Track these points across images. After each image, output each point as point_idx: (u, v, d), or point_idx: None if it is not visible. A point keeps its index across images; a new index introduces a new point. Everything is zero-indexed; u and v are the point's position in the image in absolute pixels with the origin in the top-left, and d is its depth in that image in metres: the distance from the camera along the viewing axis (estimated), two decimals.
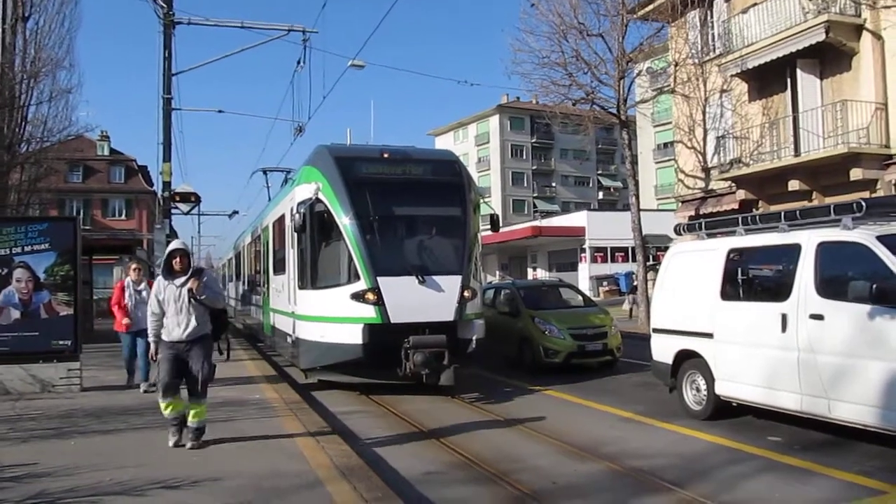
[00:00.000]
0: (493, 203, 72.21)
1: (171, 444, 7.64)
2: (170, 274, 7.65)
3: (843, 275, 7.77)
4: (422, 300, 10.93)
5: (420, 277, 10.95)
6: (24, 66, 22.24)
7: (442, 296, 11.06)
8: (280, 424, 8.80)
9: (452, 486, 6.87)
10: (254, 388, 11.83)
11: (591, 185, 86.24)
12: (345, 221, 11.25)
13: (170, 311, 7.57)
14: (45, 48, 22.90)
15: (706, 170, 23.93)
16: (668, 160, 42.53)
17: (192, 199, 21.66)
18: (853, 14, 18.82)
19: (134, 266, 12.64)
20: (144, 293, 11.33)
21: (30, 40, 22.53)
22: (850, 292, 7.34)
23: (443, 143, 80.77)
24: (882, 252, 7.20)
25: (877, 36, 18.40)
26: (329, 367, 11.69)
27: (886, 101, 18.36)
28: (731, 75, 22.18)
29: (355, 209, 11.27)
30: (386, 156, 12.22)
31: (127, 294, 11.85)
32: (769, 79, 21.38)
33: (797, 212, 8.72)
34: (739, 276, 9.25)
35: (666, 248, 11.44)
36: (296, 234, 12.24)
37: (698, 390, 9.58)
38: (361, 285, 10.94)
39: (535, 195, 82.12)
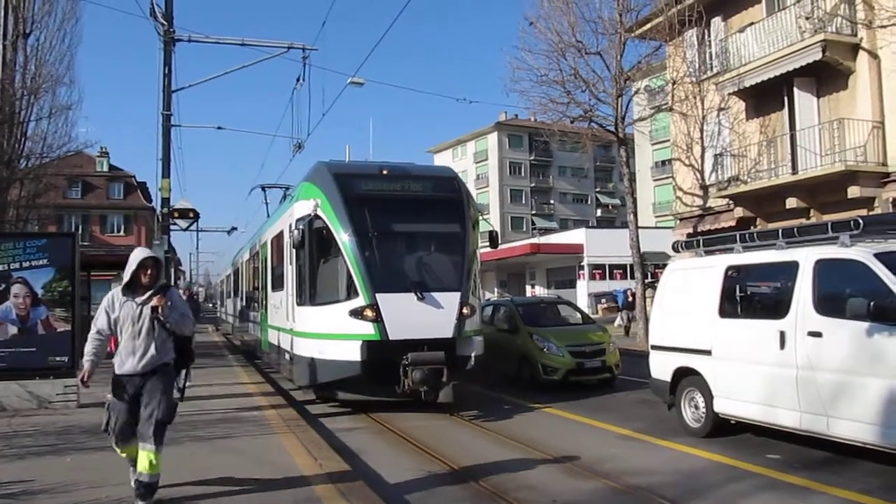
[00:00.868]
0: (492, 220, 72.39)
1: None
2: (130, 289, 6.18)
3: (841, 292, 7.77)
4: (420, 317, 10.88)
5: (419, 294, 10.91)
6: (24, 82, 22.27)
7: (441, 312, 10.99)
8: (278, 442, 8.77)
9: None
10: (250, 404, 11.79)
11: (589, 202, 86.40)
12: (343, 238, 11.22)
13: (124, 335, 6.13)
14: (46, 64, 22.93)
15: (704, 187, 23.99)
16: (667, 178, 42.65)
17: (190, 215, 21.56)
18: (849, 33, 18.95)
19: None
20: None
21: (30, 57, 22.56)
22: (848, 310, 7.34)
23: (441, 160, 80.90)
24: (880, 269, 7.22)
25: (873, 55, 18.51)
26: (327, 385, 11.62)
27: (883, 119, 18.44)
28: (729, 93, 22.29)
29: (354, 226, 11.24)
30: (385, 172, 12.21)
31: None
32: (766, 97, 21.48)
33: (795, 229, 8.75)
34: (737, 293, 9.26)
35: (664, 266, 11.43)
36: (294, 251, 12.19)
37: (697, 407, 9.56)
38: (360, 302, 10.88)
39: (533, 212, 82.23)
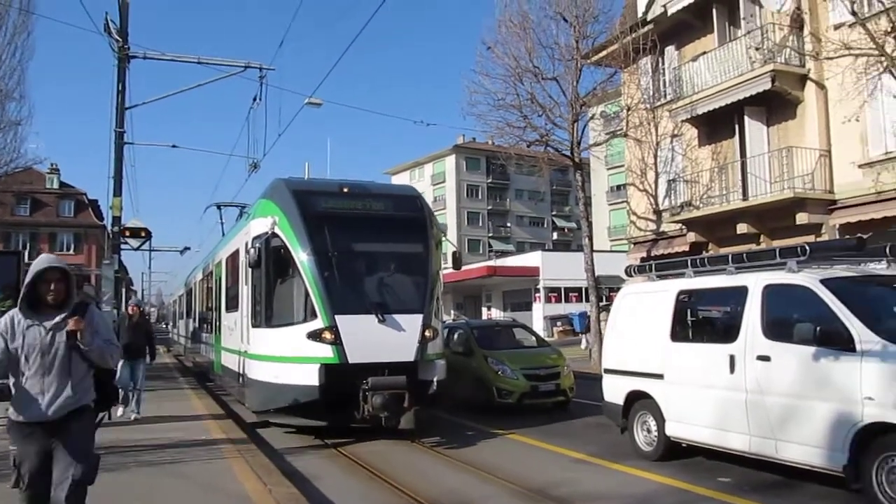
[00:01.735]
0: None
1: None
2: (33, 308, 4.69)
3: (788, 317, 7.91)
4: (381, 340, 10.57)
5: (380, 316, 10.59)
6: None
7: (402, 335, 10.69)
8: (228, 467, 8.60)
9: None
10: (200, 428, 11.55)
11: (545, 225, 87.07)
12: (302, 257, 10.89)
13: (30, 370, 4.67)
14: None
15: (658, 212, 24.36)
16: (621, 202, 43.21)
17: (142, 234, 21.25)
18: (798, 64, 19.47)
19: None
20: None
21: None
22: (795, 334, 7.46)
23: (399, 181, 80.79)
24: (826, 295, 7.37)
25: (820, 85, 19.04)
26: (283, 410, 11.18)
27: (830, 148, 18.94)
28: (682, 120, 22.72)
29: (313, 244, 10.92)
30: (345, 190, 11.92)
31: None
32: (718, 125, 21.93)
33: (744, 255, 8.91)
34: (689, 317, 9.37)
35: (618, 289, 11.50)
36: (250, 270, 11.87)
37: (649, 431, 9.63)
38: (318, 324, 10.53)
39: (490, 235, 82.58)
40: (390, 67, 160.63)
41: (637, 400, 9.83)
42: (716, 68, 21.06)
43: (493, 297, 53.96)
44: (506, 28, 23.50)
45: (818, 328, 7.11)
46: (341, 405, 10.62)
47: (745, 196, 20.72)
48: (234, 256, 14.40)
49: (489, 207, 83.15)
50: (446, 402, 13.31)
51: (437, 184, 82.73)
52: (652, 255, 23.30)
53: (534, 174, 29.93)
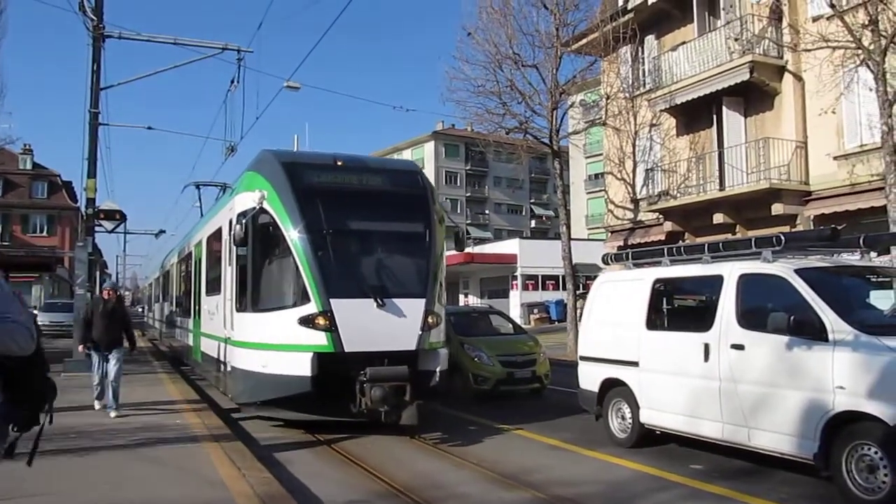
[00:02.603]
0: None
1: None
2: None
3: (762, 306, 7.97)
4: (380, 326, 9.75)
5: (379, 300, 9.74)
6: None
7: (403, 322, 9.88)
8: (202, 451, 8.54)
9: None
10: (174, 413, 11.47)
11: (523, 213, 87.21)
12: (293, 235, 10.00)
13: None
14: None
15: (635, 201, 24.47)
16: (599, 191, 43.40)
17: (116, 216, 21.06)
18: (776, 56, 19.59)
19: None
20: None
21: None
22: (769, 323, 7.52)
23: None
24: (800, 285, 7.43)
25: (797, 77, 19.17)
26: (270, 402, 10.38)
27: (806, 139, 19.10)
28: (661, 110, 22.80)
29: (306, 221, 10.02)
30: (340, 163, 11.01)
31: None
32: (696, 115, 22.04)
33: (720, 244, 8.97)
34: (664, 305, 9.43)
35: (595, 277, 11.52)
36: (235, 249, 11.08)
37: (623, 418, 9.69)
38: (311, 308, 9.67)
39: (468, 222, 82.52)
40: (370, 51, 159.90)
41: (612, 387, 9.88)
42: (695, 58, 21.14)
43: (470, 283, 54.00)
44: (486, 14, 23.42)
45: (792, 317, 7.17)
46: (336, 397, 9.78)
47: (721, 186, 20.87)
48: (217, 235, 13.47)
49: (468, 194, 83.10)
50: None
51: None
52: (629, 243, 23.43)
53: (512, 162, 29.99)
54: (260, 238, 10.51)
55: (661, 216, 22.88)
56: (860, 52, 14.60)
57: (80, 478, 7.24)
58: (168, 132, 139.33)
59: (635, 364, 9.38)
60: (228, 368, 11.58)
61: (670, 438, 9.27)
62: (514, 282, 48.12)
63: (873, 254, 9.09)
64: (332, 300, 9.66)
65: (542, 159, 50.90)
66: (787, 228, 17.73)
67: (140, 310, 63.70)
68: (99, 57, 18.51)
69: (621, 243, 23.95)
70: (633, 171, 24.46)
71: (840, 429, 6.80)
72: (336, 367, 9.58)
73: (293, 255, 9.95)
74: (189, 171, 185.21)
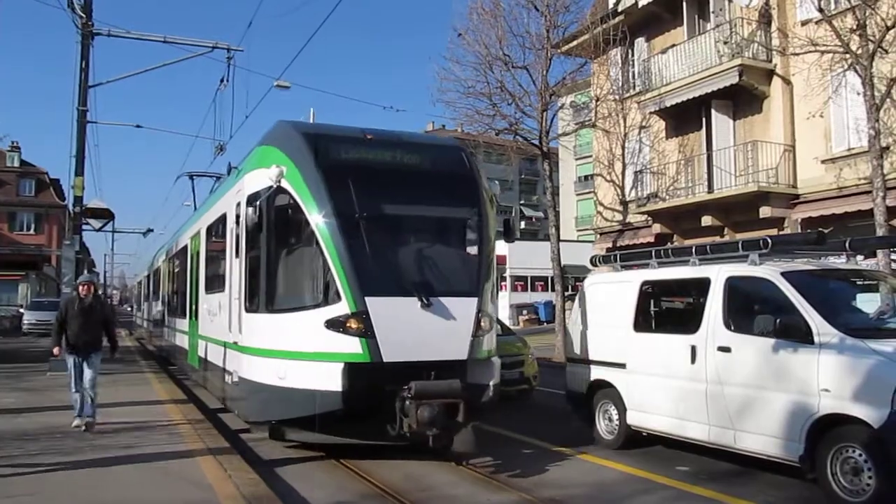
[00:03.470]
0: None
1: None
2: None
3: (749, 309, 8.00)
4: (426, 331, 8.13)
5: (424, 299, 8.11)
6: None
7: (452, 325, 8.26)
8: (188, 452, 8.49)
9: None
10: (160, 413, 11.39)
11: (513, 214, 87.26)
12: (319, 219, 8.29)
13: None
14: None
15: (624, 203, 24.53)
16: (589, 192, 43.44)
17: (104, 215, 20.96)
18: (765, 59, 19.68)
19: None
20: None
21: None
22: (755, 326, 7.56)
23: None
24: (786, 288, 7.46)
25: (786, 81, 19.26)
26: (288, 422, 8.65)
27: (794, 143, 19.19)
28: (650, 112, 22.86)
29: (335, 203, 8.31)
30: (370, 137, 9.39)
31: None
32: (685, 117, 22.11)
33: (707, 247, 9.00)
34: (652, 307, 9.46)
35: (584, 279, 11.49)
36: (243, 238, 9.52)
37: (611, 420, 9.70)
38: (342, 308, 8.00)
39: None
40: (360, 52, 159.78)
41: (600, 389, 9.89)
42: (684, 61, 21.21)
43: None
44: (477, 15, 23.40)
45: (778, 320, 7.20)
46: (372, 418, 8.25)
47: (710, 189, 20.95)
48: (219, 224, 11.85)
49: None
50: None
51: None
52: (617, 245, 23.49)
53: (502, 163, 30.01)
54: (277, 223, 8.83)
55: (649, 218, 22.94)
56: (848, 56, 14.69)
57: (63, 479, 7.19)
58: (157, 130, 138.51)
59: (622, 366, 9.40)
60: (234, 378, 9.89)
61: (657, 440, 9.29)
62: (504, 283, 48.13)
63: (859, 257, 9.16)
64: (367, 298, 7.99)
65: (532, 161, 50.98)
66: (774, 231, 17.80)
67: (129, 309, 63.41)
68: (87, 54, 18.41)
69: (610, 245, 24.00)
70: (623, 173, 24.52)
71: (825, 431, 6.83)
72: (372, 381, 8.02)
73: (319, 243, 8.26)
74: (178, 170, 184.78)
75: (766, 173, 19.17)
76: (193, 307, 14.37)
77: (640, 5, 22.93)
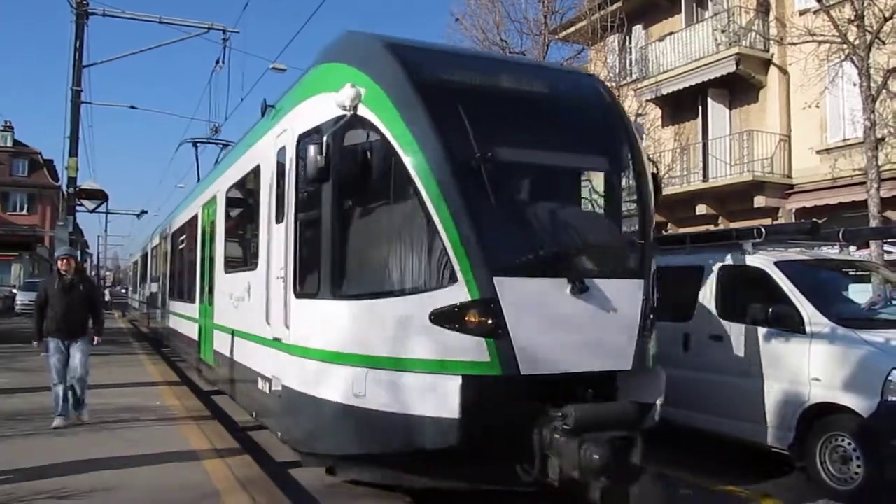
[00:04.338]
0: None
1: None
2: None
3: (742, 298, 8.04)
4: (579, 327, 5.67)
5: (577, 282, 5.62)
6: None
7: (614, 319, 5.80)
8: (180, 433, 8.50)
9: None
10: (153, 394, 11.38)
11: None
12: (421, 161, 5.57)
13: None
14: None
15: None
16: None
17: (98, 196, 20.90)
18: (762, 49, 19.66)
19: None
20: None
21: None
22: (748, 315, 7.60)
23: None
24: (779, 277, 7.50)
25: (783, 70, 19.25)
26: (368, 459, 5.97)
27: (790, 133, 19.20)
28: (646, 100, 22.82)
29: (445, 141, 5.60)
30: (480, 58, 7.36)
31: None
32: (682, 106, 22.09)
33: (702, 235, 9.03)
34: None
35: None
36: (291, 194, 6.72)
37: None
38: (459, 294, 5.40)
39: None
40: None
41: None
42: (681, 49, 21.18)
43: None
44: (475, 0, 23.34)
45: (770, 309, 7.24)
46: (499, 456, 5.60)
47: (705, 177, 20.97)
48: (249, 181, 9.02)
49: None
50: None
51: None
52: None
53: None
54: (350, 168, 5.98)
55: None
56: (845, 46, 14.67)
57: (55, 459, 7.19)
58: (152, 112, 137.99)
59: None
60: (275, 388, 6.97)
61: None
62: None
63: (852, 248, 9.21)
64: (496, 279, 5.39)
65: None
66: (769, 221, 17.85)
67: (123, 291, 63.26)
68: (82, 34, 18.32)
69: None
70: None
71: (815, 420, 6.89)
72: (503, 403, 5.60)
73: (421, 197, 5.54)
74: (172, 151, 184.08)
75: (762, 163, 19.21)
76: (206, 289, 11.74)
77: None
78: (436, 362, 5.41)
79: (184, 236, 15.53)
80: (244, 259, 9.36)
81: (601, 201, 6.81)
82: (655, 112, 23.34)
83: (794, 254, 8.37)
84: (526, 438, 5.54)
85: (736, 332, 7.79)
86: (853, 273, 8.95)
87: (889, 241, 13.29)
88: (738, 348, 7.73)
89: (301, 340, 6.46)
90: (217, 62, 19.62)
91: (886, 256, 13.40)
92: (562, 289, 5.60)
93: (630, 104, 23.92)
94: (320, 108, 6.26)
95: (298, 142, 6.58)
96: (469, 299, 5.37)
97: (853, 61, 14.61)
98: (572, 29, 24.24)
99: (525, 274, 5.53)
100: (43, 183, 60.65)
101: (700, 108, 21.65)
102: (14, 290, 41.94)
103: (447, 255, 5.41)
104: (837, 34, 14.59)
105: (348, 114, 5.82)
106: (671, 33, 22.02)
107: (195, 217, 13.55)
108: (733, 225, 18.25)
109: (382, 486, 6.41)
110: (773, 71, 19.50)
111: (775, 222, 17.70)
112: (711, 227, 19.11)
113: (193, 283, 13.37)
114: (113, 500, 5.85)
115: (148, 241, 26.21)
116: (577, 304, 5.62)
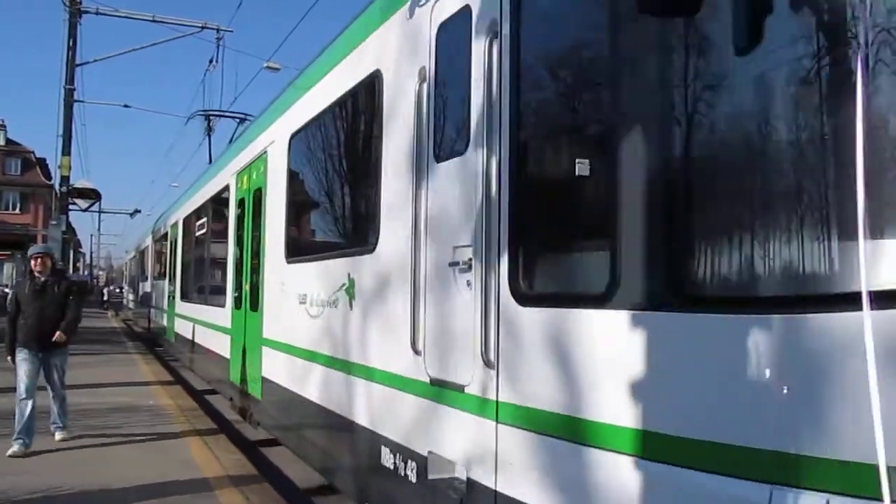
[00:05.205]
0: None
1: None
2: None
3: None
4: None
5: None
6: None
7: None
8: (175, 433, 8.49)
9: None
10: (147, 394, 11.37)
11: None
12: None
13: None
14: None
15: None
16: None
17: (91, 195, 20.88)
18: None
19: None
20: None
21: None
22: None
23: None
24: None
25: None
26: None
27: None
28: None
29: None
30: None
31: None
32: None
33: None
34: None
35: None
36: (506, 84, 3.35)
37: None
38: None
39: None
40: None
41: None
42: None
43: None
44: None
45: None
46: None
47: None
48: (361, 97, 5.49)
49: None
50: None
51: None
52: None
53: None
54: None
55: None
56: None
57: (51, 459, 7.20)
58: (145, 111, 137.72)
59: None
60: (450, 481, 3.71)
61: None
62: None
63: None
64: None
65: None
66: None
67: (119, 290, 63.04)
68: (75, 32, 18.32)
69: None
70: None
71: None
72: None
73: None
74: (166, 150, 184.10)
75: None
76: (247, 288, 8.74)
77: None
78: None
79: (203, 219, 12.64)
80: (342, 235, 6.11)
81: None
82: None
83: None
84: None
85: None
86: None
87: None
88: None
89: (532, 398, 3.16)
90: (211, 61, 19.66)
91: None
92: None
93: None
94: None
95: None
96: None
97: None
98: None
99: None
100: (36, 182, 60.53)
101: None
102: (6, 290, 41.85)
103: None
104: None
105: None
106: None
107: (224, 189, 10.56)
108: None
109: None
110: None
111: None
112: None
113: (221, 279, 10.61)
114: (113, 500, 5.84)
115: (152, 229, 23.48)
116: None
